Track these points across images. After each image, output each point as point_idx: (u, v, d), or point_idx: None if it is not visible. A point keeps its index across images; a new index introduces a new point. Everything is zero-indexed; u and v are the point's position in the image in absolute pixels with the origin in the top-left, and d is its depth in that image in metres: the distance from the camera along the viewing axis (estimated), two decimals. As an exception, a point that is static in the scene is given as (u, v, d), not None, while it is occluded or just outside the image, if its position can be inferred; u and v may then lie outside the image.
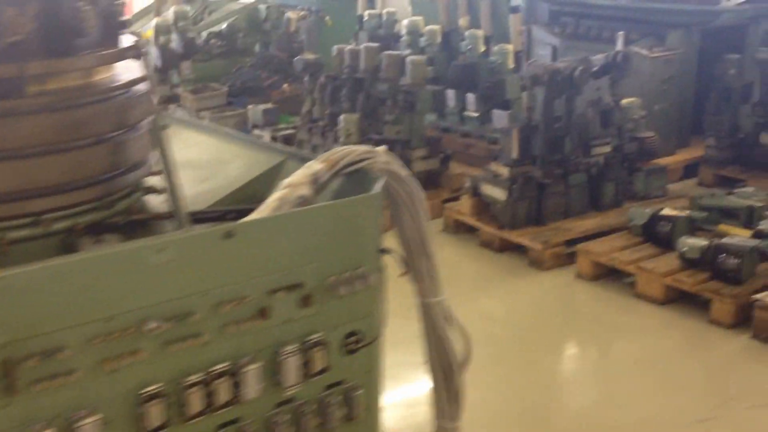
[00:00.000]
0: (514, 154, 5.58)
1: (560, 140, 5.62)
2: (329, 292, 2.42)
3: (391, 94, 6.39)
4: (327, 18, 10.70)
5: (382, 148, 2.85)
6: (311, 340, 2.38)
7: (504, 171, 5.68)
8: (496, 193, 5.77)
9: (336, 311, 2.46)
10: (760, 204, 5.49)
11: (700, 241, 4.93)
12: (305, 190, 2.61)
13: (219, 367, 2.17)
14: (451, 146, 7.43)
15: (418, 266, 2.88)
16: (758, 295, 4.55)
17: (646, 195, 6.28)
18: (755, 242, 4.85)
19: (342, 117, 6.30)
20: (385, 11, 9.10)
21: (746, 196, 5.67)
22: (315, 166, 2.68)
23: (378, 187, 2.65)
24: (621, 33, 6.29)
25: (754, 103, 6.94)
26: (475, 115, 7.24)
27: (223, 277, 2.18)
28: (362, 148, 2.78)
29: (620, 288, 5.25)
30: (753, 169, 6.95)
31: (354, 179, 2.75)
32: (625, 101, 6.34)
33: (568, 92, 5.53)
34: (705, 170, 7.22)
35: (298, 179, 2.64)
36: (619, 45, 6.28)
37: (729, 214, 5.55)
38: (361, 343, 2.55)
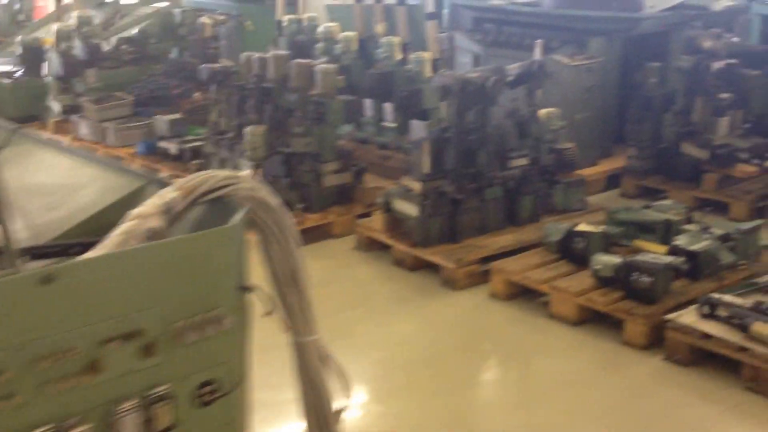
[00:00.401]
0: (426, 168, 5.45)
1: (474, 153, 5.50)
2: (176, 339, 2.23)
3: (301, 104, 6.20)
4: (248, 23, 10.48)
5: (247, 173, 2.67)
6: (155, 393, 2.19)
7: (416, 186, 5.55)
8: (408, 209, 5.62)
9: (185, 360, 2.27)
10: (677, 218, 5.45)
11: (613, 259, 4.85)
12: (156, 222, 2.42)
13: (39, 431, 1.97)
14: (368, 158, 7.30)
15: (289, 302, 2.70)
16: (670, 315, 4.49)
17: (565, 208, 6.21)
18: (669, 259, 4.79)
19: (247, 129, 6.09)
20: (306, 16, 8.93)
21: (664, 209, 5.62)
22: (168, 194, 2.48)
23: (237, 218, 2.46)
24: (539, 41, 6.22)
25: (676, 111, 6.93)
26: (393, 125, 7.10)
27: (42, 327, 1.98)
28: (223, 173, 2.60)
29: (535, 308, 5.15)
30: (675, 180, 6.95)
31: (219, 208, 2.57)
32: (544, 111, 6.26)
33: (482, 103, 5.42)
34: (627, 181, 7.20)
35: (148, 209, 2.44)
36: (537, 54, 6.20)
37: (646, 229, 5.49)
38: (217, 394, 2.36)
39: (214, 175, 2.55)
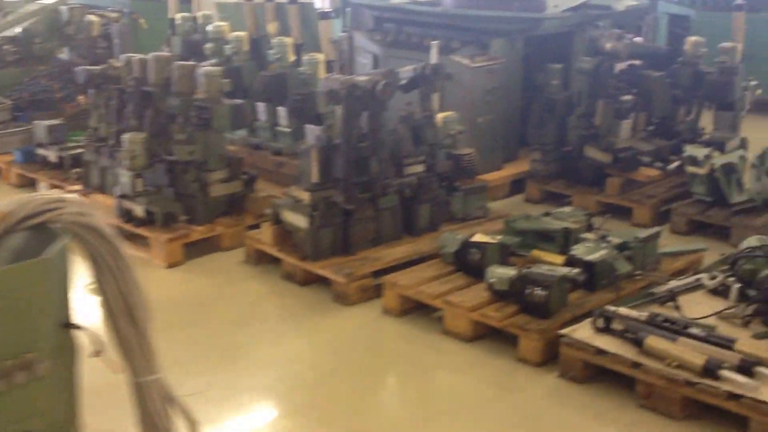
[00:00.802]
0: (315, 177, 5.26)
1: (366, 161, 5.34)
2: (-26, 391, 1.99)
3: (183, 109, 5.94)
4: (142, 21, 10.11)
5: (74, 197, 2.43)
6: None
7: (305, 196, 5.35)
8: (297, 220, 5.42)
9: (-10, 412, 2.04)
10: (576, 226, 5.39)
11: (508, 271, 4.74)
12: (-40, 255, 2.18)
13: None
14: (262, 165, 7.09)
15: (125, 339, 2.48)
16: (564, 330, 4.40)
17: (465, 217, 6.09)
18: (564, 271, 4.70)
19: (126, 136, 5.80)
20: (200, 14, 8.63)
21: (563, 216, 5.55)
22: (-22, 221, 2.24)
23: (55, 248, 2.23)
24: (434, 42, 6.09)
25: (578, 114, 6.90)
26: (287, 130, 6.90)
27: None
28: (47, 196, 2.37)
29: (430, 323, 5.00)
30: (579, 184, 6.92)
31: (46, 237, 2.33)
32: (442, 115, 6.14)
33: (372, 108, 5.26)
34: (531, 186, 7.15)
35: (-49, 240, 2.20)
36: (433, 55, 6.07)
37: (545, 238, 5.42)
38: (31, 449, 2.13)
39: (35, 198, 2.31)
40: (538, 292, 4.53)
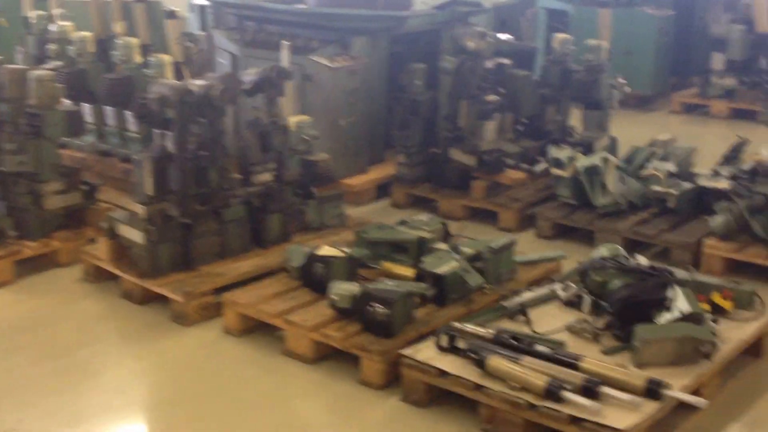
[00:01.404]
0: (149, 189, 4.83)
1: (205, 171, 4.93)
2: None
3: (12, 116, 5.43)
4: (1, 19, 9.44)
5: None
6: None
7: (139, 209, 4.92)
8: (133, 235, 4.99)
9: None
10: (430, 235, 5.10)
11: (351, 288, 4.42)
12: None
13: None
14: (111, 173, 6.61)
15: None
16: (407, 351, 4.10)
17: (321, 226, 5.75)
18: (410, 286, 4.40)
19: (-57, 147, 5.26)
20: (57, 12, 8.03)
21: (419, 225, 5.26)
22: None
23: None
24: (285, 43, 5.71)
25: (443, 116, 6.64)
26: (137, 136, 6.43)
27: None
28: None
29: (272, 343, 4.64)
30: (445, 188, 6.66)
31: None
32: (295, 119, 5.78)
33: (210, 115, 4.86)
34: (397, 190, 6.85)
35: None
36: (283, 57, 5.70)
37: (399, 248, 5.12)
38: None
39: None
40: (380, 309, 4.21)
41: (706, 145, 8.54)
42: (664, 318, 4.02)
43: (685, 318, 3.98)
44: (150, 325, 4.93)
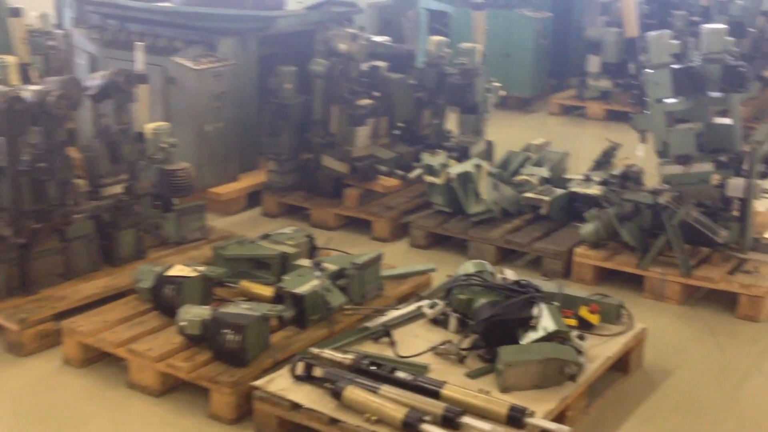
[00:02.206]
0: (-23, 206, 4.32)
1: (42, 185, 4.44)
2: None
3: None
4: None
5: None
6: None
7: (-34, 229, 4.40)
8: (-39, 256, 4.47)
9: None
10: (293, 250, 4.75)
11: (202, 312, 4.02)
12: None
13: None
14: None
15: None
16: (259, 381, 3.74)
17: (181, 240, 5.32)
18: (265, 308, 4.03)
19: None
20: None
21: (281, 239, 4.91)
22: None
23: None
24: (139, 44, 5.25)
25: (315, 121, 6.29)
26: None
27: None
28: None
29: (116, 375, 4.20)
30: (318, 196, 6.32)
31: None
32: (151, 126, 5.32)
33: (46, 124, 4.37)
34: (268, 198, 6.46)
35: None
36: (137, 59, 5.24)
37: (261, 265, 4.76)
38: None
39: None
40: (231, 336, 3.84)
41: (583, 147, 8.49)
42: (529, 338, 3.78)
43: (550, 337, 3.75)
44: (-16, 355, 4.43)
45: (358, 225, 6.21)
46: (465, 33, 9.25)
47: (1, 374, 4.25)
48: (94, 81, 4.78)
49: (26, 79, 5.69)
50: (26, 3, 8.36)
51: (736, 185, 4.88)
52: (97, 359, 4.28)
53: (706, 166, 5.04)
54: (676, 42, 5.08)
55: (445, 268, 5.35)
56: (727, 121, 5.12)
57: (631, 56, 5.23)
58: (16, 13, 5.71)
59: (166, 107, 6.26)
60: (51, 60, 7.24)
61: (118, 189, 4.94)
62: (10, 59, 5.51)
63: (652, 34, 5.07)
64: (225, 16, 6.28)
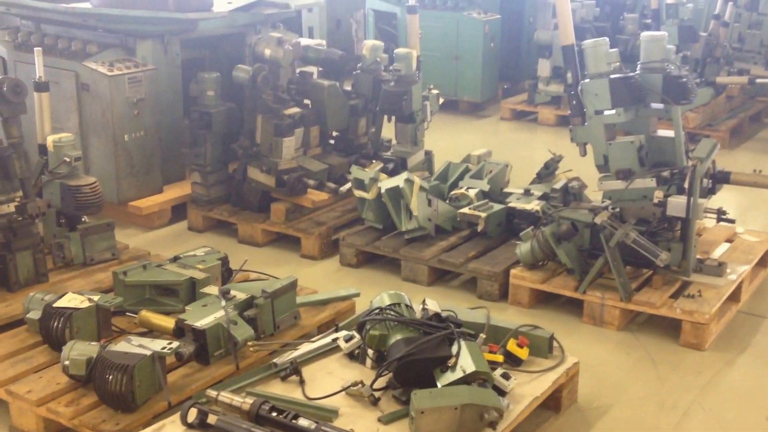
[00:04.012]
0: None
1: None
2: None
3: None
4: None
5: None
6: None
7: None
8: None
9: None
10: (203, 275, 4.37)
11: (88, 350, 3.64)
12: None
13: None
14: None
15: None
16: (146, 430, 3.36)
17: (87, 261, 4.92)
18: (159, 345, 3.65)
19: None
20: None
21: (192, 262, 4.53)
22: None
23: None
24: (38, 49, 4.85)
25: (241, 130, 5.91)
26: None
27: None
28: None
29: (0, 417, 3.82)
30: (245, 210, 5.94)
31: None
32: (52, 138, 4.93)
33: None
34: (193, 212, 6.08)
35: None
36: (37, 65, 4.84)
37: (169, 291, 4.38)
38: None
39: None
40: (116, 379, 3.46)
41: (533, 155, 8.19)
42: (446, 379, 3.44)
43: (468, 378, 3.41)
44: None
45: (287, 241, 5.85)
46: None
47: None
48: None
49: None
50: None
51: (677, 204, 4.57)
52: (-24, 401, 3.89)
53: (647, 182, 4.75)
54: (614, 50, 4.77)
55: (375, 290, 4.95)
56: (669, 133, 4.83)
57: (568, 64, 4.89)
58: None
59: (79, 116, 5.85)
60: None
61: (11, 208, 4.52)
62: None
63: (589, 42, 4.76)
64: (142, 18, 5.87)
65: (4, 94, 4.31)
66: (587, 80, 4.79)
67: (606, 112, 4.79)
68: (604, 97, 4.72)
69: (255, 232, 5.83)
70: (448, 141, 8.28)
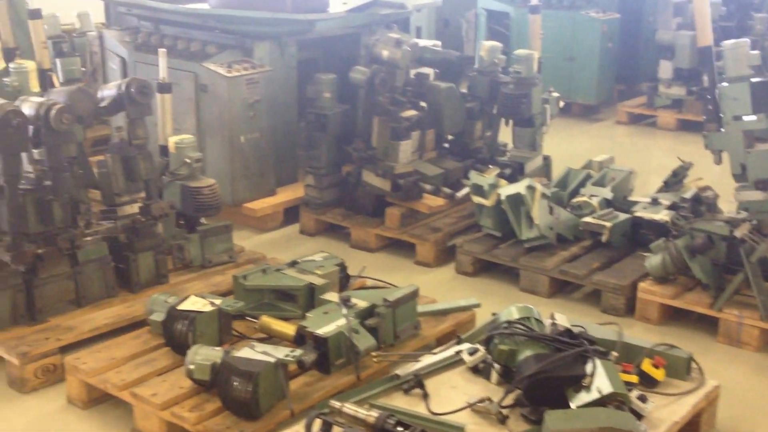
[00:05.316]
0: (-26, 229, 4.03)
1: (48, 205, 4.13)
2: None
3: None
4: None
5: None
6: None
7: (-32, 252, 4.12)
8: (-37, 281, 4.20)
9: None
10: (322, 281, 4.36)
11: (213, 355, 3.66)
12: None
13: None
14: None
15: None
16: (271, 440, 3.37)
17: (205, 264, 4.98)
18: (283, 353, 3.64)
19: None
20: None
21: (310, 267, 4.52)
22: None
23: None
24: (162, 50, 4.93)
25: (356, 133, 5.90)
26: None
27: None
28: None
29: (122, 418, 3.86)
30: (358, 214, 5.92)
31: None
32: (174, 140, 5.01)
33: (50, 141, 4.06)
34: (305, 216, 6.10)
35: None
36: (161, 66, 4.92)
37: (287, 296, 4.39)
38: None
39: None
40: (241, 386, 3.47)
41: (653, 161, 7.96)
42: (581, 399, 3.32)
43: (605, 400, 3.29)
44: (-13, 389, 4.15)
45: (400, 247, 5.80)
46: (526, 36, 8.76)
47: (5, 411, 3.96)
48: (105, 92, 4.47)
49: (46, 87, 5.43)
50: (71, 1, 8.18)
51: (823, 218, 4.34)
52: (104, 399, 3.96)
53: (789, 194, 4.52)
54: (755, 52, 4.55)
55: (492, 300, 4.94)
56: (815, 142, 4.58)
57: (704, 66, 4.70)
58: (35, 15, 5.44)
59: (197, 117, 5.94)
60: (87, 63, 7.01)
61: (134, 208, 4.62)
62: (29, 65, 5.27)
63: (729, 43, 4.55)
64: (261, 19, 5.93)
65: (131, 94, 4.41)
66: (725, 84, 4.58)
67: (745, 118, 4.58)
68: (744, 101, 4.51)
69: (368, 236, 5.80)
70: (560, 145, 8.08)
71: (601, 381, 3.34)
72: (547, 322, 3.75)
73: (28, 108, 3.98)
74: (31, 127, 4.01)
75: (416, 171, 5.83)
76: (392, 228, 5.74)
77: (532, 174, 6.09)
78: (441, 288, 5.26)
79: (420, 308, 4.36)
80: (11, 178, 3.90)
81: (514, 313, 3.67)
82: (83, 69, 6.87)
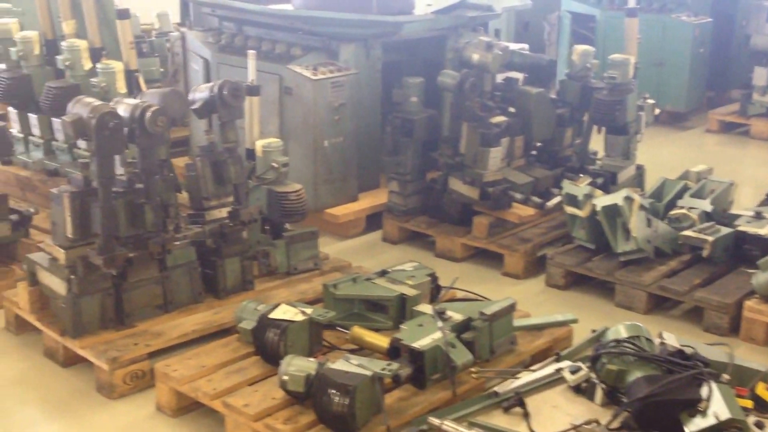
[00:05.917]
0: (69, 230, 4.07)
1: (138, 209, 4.16)
2: None
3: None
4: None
5: None
6: None
7: (59, 254, 4.17)
8: (54, 284, 4.24)
9: None
10: (413, 292, 4.32)
11: (307, 366, 3.64)
12: None
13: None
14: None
15: None
16: (368, 457, 3.33)
17: (291, 270, 4.98)
18: (379, 366, 3.60)
19: None
20: (2, 6, 7.21)
21: (401, 277, 4.48)
22: None
23: None
24: (251, 52, 4.95)
25: (442, 139, 5.85)
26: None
27: None
28: None
29: (213, 427, 3.87)
30: (444, 222, 5.87)
31: None
32: (261, 143, 5.02)
33: (143, 143, 4.09)
34: (389, 223, 6.06)
35: None
36: (250, 69, 4.94)
37: (378, 307, 4.35)
38: None
39: None
40: (338, 399, 3.43)
41: (746, 173, 7.74)
42: (696, 425, 3.22)
43: (722, 426, 3.17)
44: (74, 393, 4.19)
45: (487, 257, 5.73)
46: (612, 39, 8.64)
47: (89, 418, 4.00)
48: (197, 94, 4.49)
49: (132, 87, 5.50)
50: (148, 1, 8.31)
51: None
52: (193, 408, 3.97)
53: None
54: None
55: (587, 316, 4.83)
56: None
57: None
58: (124, 15, 5.50)
59: (280, 120, 5.96)
60: (168, 64, 7.10)
61: (223, 213, 4.64)
62: (116, 64, 5.34)
63: None
64: (348, 21, 5.92)
65: (224, 97, 4.42)
66: None
67: None
68: None
69: (454, 245, 5.74)
70: (648, 154, 7.89)
71: (718, 406, 3.23)
72: (656, 341, 3.65)
73: (122, 110, 4.01)
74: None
75: (505, 179, 5.75)
76: (480, 237, 5.67)
77: (624, 184, 5.96)
78: (530, 301, 5.17)
79: (515, 322, 4.28)
80: (105, 180, 3.94)
81: (622, 332, 3.58)
82: (162, 70, 7.00)
